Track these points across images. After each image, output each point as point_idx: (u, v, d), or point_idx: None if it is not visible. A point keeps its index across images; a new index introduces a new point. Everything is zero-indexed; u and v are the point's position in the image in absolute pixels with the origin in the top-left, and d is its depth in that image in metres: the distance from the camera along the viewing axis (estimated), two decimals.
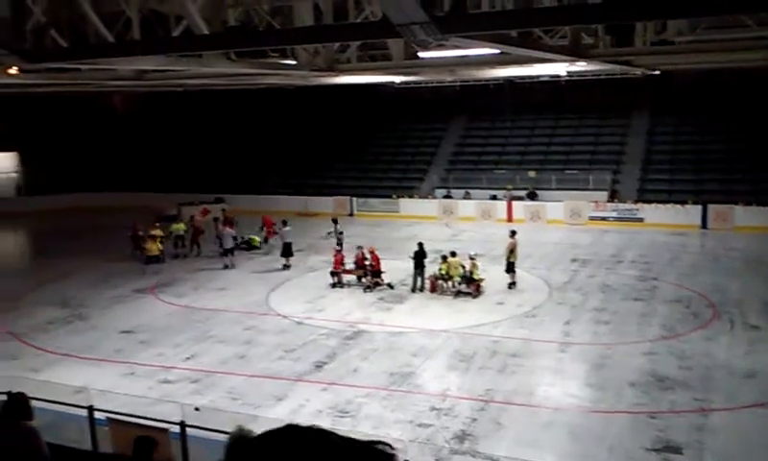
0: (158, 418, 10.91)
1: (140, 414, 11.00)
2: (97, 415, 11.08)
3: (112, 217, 35.05)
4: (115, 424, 10.60)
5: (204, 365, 15.97)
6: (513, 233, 22.12)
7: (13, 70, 15.01)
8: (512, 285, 21.41)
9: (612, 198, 33.65)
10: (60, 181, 41.30)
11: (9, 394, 6.97)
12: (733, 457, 11.24)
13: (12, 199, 42.82)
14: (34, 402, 7.06)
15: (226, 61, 15.26)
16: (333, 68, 17.88)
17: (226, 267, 25.04)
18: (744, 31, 16.36)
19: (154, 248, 25.83)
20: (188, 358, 16.47)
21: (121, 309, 20.72)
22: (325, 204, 37.60)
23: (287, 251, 25.20)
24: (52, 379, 13.91)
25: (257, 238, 27.75)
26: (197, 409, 11.65)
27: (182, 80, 21.20)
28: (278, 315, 19.77)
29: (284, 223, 25.77)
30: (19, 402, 6.58)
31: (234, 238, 25.71)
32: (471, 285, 20.89)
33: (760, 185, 31.23)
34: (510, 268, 21.56)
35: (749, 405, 13.04)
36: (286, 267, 24.96)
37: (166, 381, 15.06)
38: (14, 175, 44.84)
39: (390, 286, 21.84)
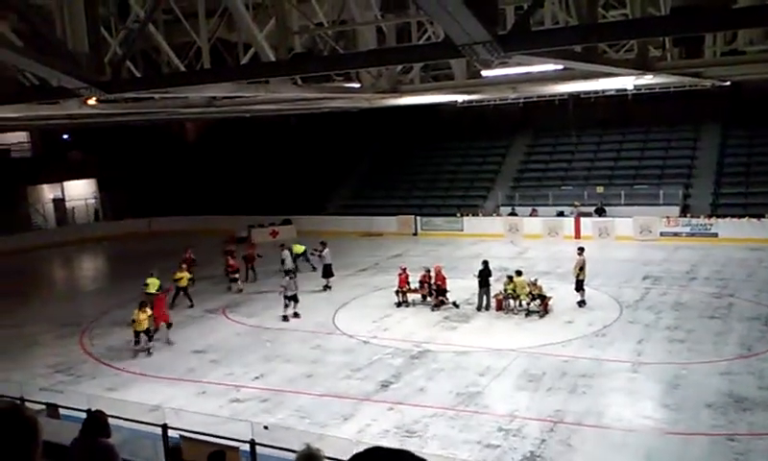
0: (229, 436, 11.16)
1: (211, 432, 11.28)
2: (171, 433, 11.41)
3: (185, 240, 36.14)
4: (188, 442, 10.87)
5: (273, 384, 16.23)
6: (581, 250, 21.65)
7: (92, 101, 15.75)
8: (581, 304, 21.01)
9: (683, 213, 32.67)
10: (135, 206, 43.09)
11: (88, 412, 7.28)
12: None
13: (90, 224, 44.71)
14: (111, 420, 7.35)
15: (292, 87, 15.59)
16: (396, 89, 18.01)
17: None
18: None
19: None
20: (257, 377, 16.76)
21: (192, 329, 21.28)
22: (390, 223, 37.83)
23: (327, 272, 25.34)
24: (128, 398, 14.40)
25: (186, 275, 24.01)
26: (266, 428, 11.87)
27: (250, 106, 21.74)
28: (344, 334, 19.93)
29: (323, 244, 25.88)
30: (98, 420, 6.86)
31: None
32: (541, 304, 20.60)
33: None
34: (579, 286, 21.16)
35: None
36: (326, 288, 25.15)
37: (236, 400, 15.36)
38: (93, 201, 46.74)
39: (455, 305, 21.74)
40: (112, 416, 10.58)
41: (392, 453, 1.40)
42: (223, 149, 47.28)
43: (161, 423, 11.52)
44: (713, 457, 11.64)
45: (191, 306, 23.69)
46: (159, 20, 14.26)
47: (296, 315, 21.55)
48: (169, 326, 20.19)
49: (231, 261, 26.24)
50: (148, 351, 19.01)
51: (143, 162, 44.74)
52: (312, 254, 26.96)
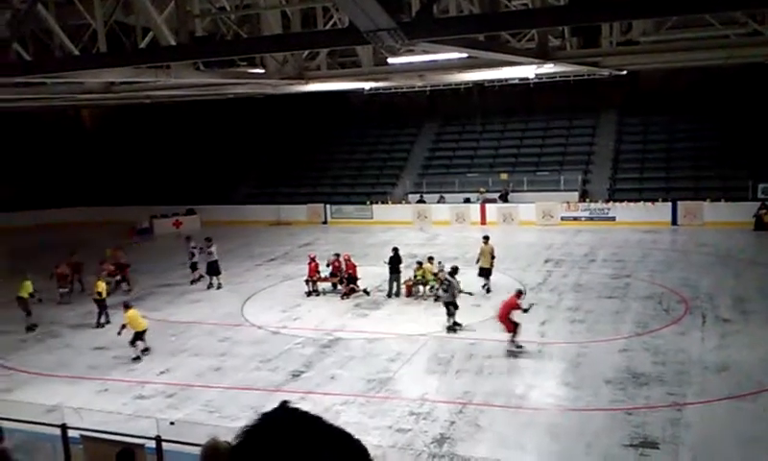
0: (134, 433, 10.78)
1: (115, 431, 10.86)
2: (71, 433, 10.92)
3: (84, 232, 34.69)
4: (89, 441, 10.43)
5: (179, 379, 15.81)
6: (486, 239, 21.93)
7: None
8: (488, 290, 21.30)
9: (583, 198, 34.00)
10: (27, 197, 40.64)
11: None
12: (708, 450, 11.37)
13: None
14: (4, 423, 6.94)
15: (193, 72, 15.15)
16: (302, 76, 17.84)
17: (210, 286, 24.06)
18: (707, 30, 16.65)
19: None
20: (162, 372, 16.28)
21: (94, 325, 20.41)
22: (299, 212, 37.55)
23: (213, 269, 23.86)
24: (24, 399, 13.68)
25: (102, 284, 20.83)
26: (172, 423, 11.55)
27: (150, 92, 21.01)
28: (254, 325, 19.64)
29: (209, 240, 24.07)
30: None
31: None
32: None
33: (728, 181, 31.81)
34: (486, 273, 21.46)
35: (722, 398, 13.22)
36: (211, 286, 23.89)
37: (141, 397, 14.88)
38: None
39: (366, 292, 21.82)
40: (5, 419, 10.05)
41: (301, 419, 1.32)
42: (123, 136, 45.52)
43: (60, 423, 11.00)
44: (613, 431, 12.18)
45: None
46: (50, 1, 13.50)
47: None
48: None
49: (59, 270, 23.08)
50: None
51: (37, 151, 42.37)
52: (199, 250, 24.50)
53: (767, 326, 17.13)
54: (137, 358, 17.19)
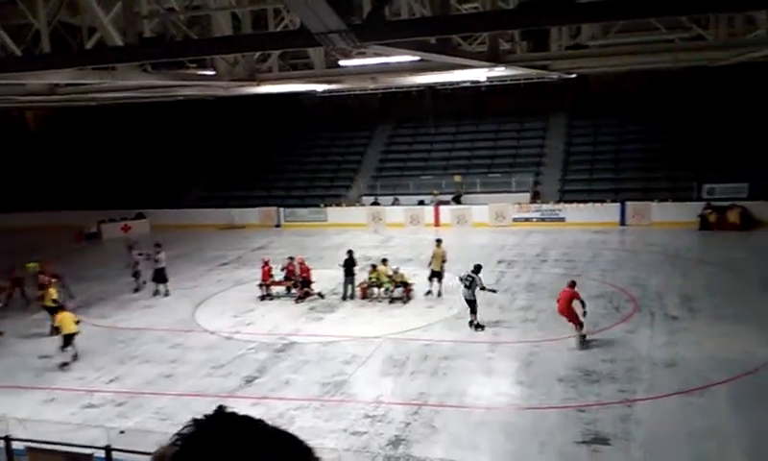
0: (82, 443, 10.53)
1: (63, 441, 10.58)
2: (15, 445, 10.60)
3: (29, 237, 33.69)
4: (34, 452, 10.13)
5: (130, 386, 15.48)
6: (439, 242, 21.89)
7: None
8: (428, 293, 21.25)
9: (534, 199, 34.47)
10: None
11: None
12: (658, 445, 11.63)
13: None
14: None
15: (141, 74, 14.84)
16: (254, 78, 17.65)
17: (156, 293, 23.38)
18: (653, 34, 17.10)
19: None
20: (112, 380, 15.92)
21: (40, 333, 19.83)
22: (252, 215, 37.17)
23: (160, 277, 23.08)
24: None
25: (54, 291, 20.07)
26: (122, 432, 11.31)
27: (96, 94, 20.52)
28: (206, 331, 19.35)
29: (158, 246, 23.36)
30: None
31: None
32: (404, 291, 20.98)
33: (675, 182, 32.63)
34: (433, 275, 21.29)
35: (670, 394, 13.56)
36: (157, 293, 23.13)
37: (90, 406, 14.53)
38: None
39: (320, 296, 21.71)
40: None
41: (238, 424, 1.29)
42: (70, 139, 44.41)
43: (3, 434, 10.66)
44: (565, 428, 12.35)
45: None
46: None
47: None
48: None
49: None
50: None
51: None
52: (146, 256, 23.78)
53: (714, 323, 17.61)
54: (65, 364, 16.80)
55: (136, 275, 23.98)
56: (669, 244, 27.33)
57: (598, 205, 32.50)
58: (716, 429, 11.97)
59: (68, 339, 16.91)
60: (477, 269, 18.28)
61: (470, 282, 17.98)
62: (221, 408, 1.32)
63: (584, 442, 11.76)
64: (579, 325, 16.30)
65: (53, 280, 21.03)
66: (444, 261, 21.43)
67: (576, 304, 16.33)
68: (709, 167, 32.28)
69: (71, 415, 13.88)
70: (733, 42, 16.60)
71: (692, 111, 34.96)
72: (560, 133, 38.54)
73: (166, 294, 23.19)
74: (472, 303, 18.03)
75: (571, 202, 33.30)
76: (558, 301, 16.73)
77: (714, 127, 33.88)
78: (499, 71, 19.39)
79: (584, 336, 16.42)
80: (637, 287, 21.04)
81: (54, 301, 19.44)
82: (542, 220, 32.94)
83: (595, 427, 12.25)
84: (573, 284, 16.80)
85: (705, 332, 16.91)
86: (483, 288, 18.08)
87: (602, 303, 19.77)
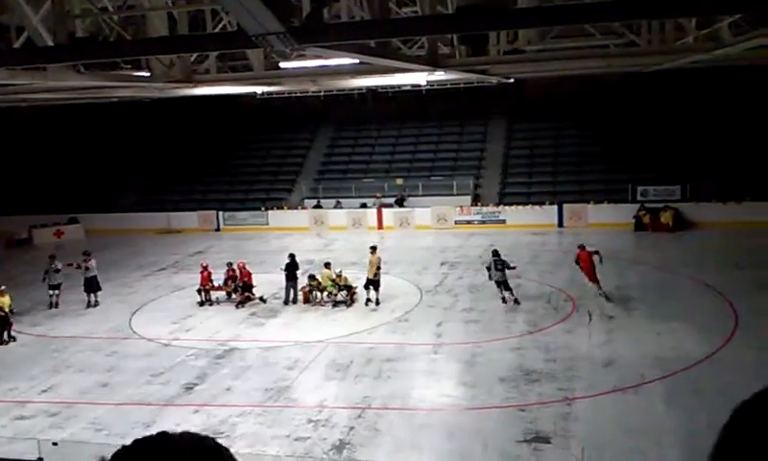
0: (13, 457, 10.14)
1: None
2: None
3: None
4: None
5: (64, 396, 14.96)
6: (374, 249, 21.13)
7: None
8: (368, 302, 20.67)
9: (475, 202, 34.88)
10: None
11: None
12: (597, 441, 11.87)
13: None
14: None
15: (73, 74, 14.37)
16: (191, 79, 17.33)
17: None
18: (588, 40, 17.49)
19: None
20: (45, 391, 15.36)
21: None
22: (190, 219, 36.46)
23: (91, 286, 22.09)
24: None
25: (7, 299, 19.45)
26: (55, 444, 10.92)
27: (26, 94, 19.81)
28: (143, 338, 18.88)
29: (87, 255, 22.45)
30: None
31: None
32: (347, 294, 20.89)
33: (610, 184, 33.50)
34: (375, 285, 20.68)
35: (608, 391, 13.87)
36: (90, 305, 22.07)
37: (21, 417, 13.98)
38: None
39: (262, 300, 21.45)
40: None
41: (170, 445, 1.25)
42: None
43: None
44: (507, 428, 12.49)
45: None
46: None
47: None
48: None
49: None
50: None
51: None
52: (77, 266, 22.51)
53: (649, 321, 18.11)
54: None
55: (53, 287, 22.18)
56: (605, 245, 27.72)
57: (537, 207, 33.10)
58: (652, 425, 12.30)
59: None
60: (497, 252, 20.50)
61: (503, 265, 20.00)
62: (163, 433, 1.28)
63: (525, 441, 11.92)
64: (599, 284, 19.59)
65: None
66: (378, 268, 20.78)
67: (595, 259, 19.81)
68: (643, 170, 33.27)
69: (1, 427, 13.34)
70: (664, 49, 17.15)
71: (627, 116, 36.01)
72: (499, 136, 39.11)
73: (96, 304, 22.14)
74: (506, 282, 20.00)
75: (511, 204, 33.81)
76: (580, 266, 20.23)
77: (648, 130, 34.98)
78: (439, 75, 19.57)
79: (605, 294, 19.69)
80: (575, 288, 21.45)
81: (10, 310, 19.06)
82: (483, 222, 33.34)
83: (536, 426, 12.43)
84: (583, 247, 20.33)
85: (640, 331, 17.37)
86: (509, 267, 20.23)
87: (541, 304, 20.12)
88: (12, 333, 19.25)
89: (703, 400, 12.90)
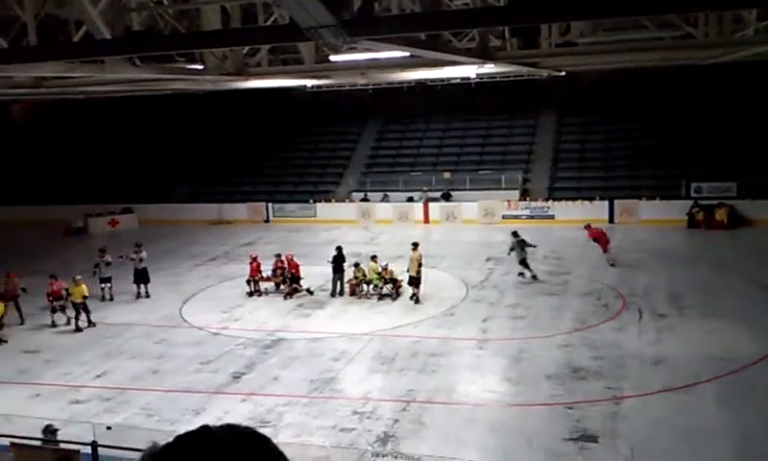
0: (69, 439, 10.45)
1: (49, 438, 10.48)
2: (0, 441, 10.49)
3: (14, 233, 33.51)
4: (19, 448, 10.04)
5: (116, 382, 15.37)
6: (415, 246, 20.69)
7: None
8: (417, 300, 20.30)
9: (523, 196, 34.51)
10: None
11: None
12: (645, 441, 11.65)
13: None
14: None
15: (129, 67, 14.72)
16: (243, 72, 17.55)
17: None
18: (642, 32, 17.10)
19: None
20: (98, 376, 15.81)
21: (24, 328, 19.69)
22: (240, 210, 37.00)
23: (141, 277, 22.30)
24: None
25: (84, 287, 19.72)
26: (109, 428, 11.22)
27: (85, 87, 20.35)
28: (193, 327, 19.26)
29: (138, 245, 22.62)
30: None
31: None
32: (393, 288, 20.92)
33: (663, 180, 32.72)
34: (416, 282, 20.36)
35: (657, 391, 13.61)
36: (139, 296, 22.31)
37: (76, 402, 14.42)
38: None
39: (309, 292, 21.64)
40: None
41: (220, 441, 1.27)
42: (56, 131, 43.96)
43: None
44: (553, 425, 12.37)
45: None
46: None
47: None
48: None
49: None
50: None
51: None
52: (127, 258, 22.69)
53: (701, 320, 17.69)
54: None
55: (104, 280, 22.20)
56: (657, 242, 27.42)
57: (587, 202, 32.55)
58: (703, 426, 12.03)
59: None
60: (516, 233, 22.55)
61: (524, 244, 22.03)
62: (205, 427, 1.31)
63: (571, 439, 11.78)
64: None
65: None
66: (420, 265, 20.35)
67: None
68: (697, 166, 32.41)
69: (58, 410, 13.76)
70: (722, 41, 16.66)
71: (681, 110, 35.08)
72: (549, 130, 38.57)
73: (147, 295, 22.41)
74: (524, 260, 21.97)
75: (560, 199, 33.35)
76: (597, 241, 23.51)
77: (703, 125, 34.02)
78: (489, 68, 19.42)
79: (614, 260, 23.08)
80: (625, 285, 21.09)
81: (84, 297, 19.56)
82: (531, 217, 32.96)
83: (583, 424, 12.28)
84: (589, 226, 24.02)
85: (692, 330, 16.98)
86: (529, 245, 22.35)
87: (590, 301, 19.82)
88: (92, 320, 19.68)
89: (756, 402, 12.57)
